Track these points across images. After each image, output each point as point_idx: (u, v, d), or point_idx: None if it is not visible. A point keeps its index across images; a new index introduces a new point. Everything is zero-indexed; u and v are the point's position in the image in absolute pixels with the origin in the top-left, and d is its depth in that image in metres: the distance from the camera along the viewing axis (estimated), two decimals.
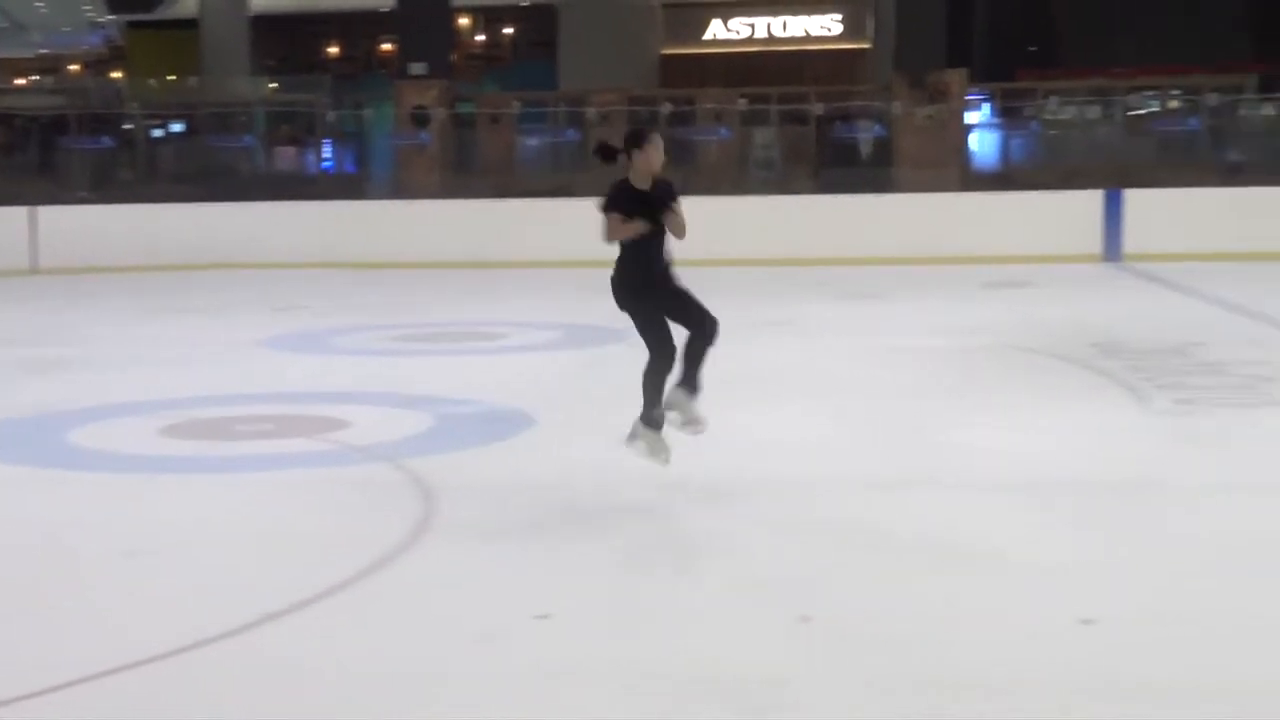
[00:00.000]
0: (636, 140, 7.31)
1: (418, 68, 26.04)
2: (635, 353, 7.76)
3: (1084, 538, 6.66)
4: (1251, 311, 15.19)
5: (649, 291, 7.30)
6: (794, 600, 5.70)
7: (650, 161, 7.25)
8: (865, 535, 6.70)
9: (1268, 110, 26.41)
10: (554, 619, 5.49)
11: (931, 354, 12.62)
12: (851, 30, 42.17)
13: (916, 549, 6.47)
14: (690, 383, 7.36)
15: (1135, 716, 4.54)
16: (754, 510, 7.20)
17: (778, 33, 42.75)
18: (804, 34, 42.55)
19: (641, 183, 7.28)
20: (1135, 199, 21.61)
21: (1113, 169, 23.84)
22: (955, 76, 25.40)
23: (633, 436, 7.57)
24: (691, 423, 7.44)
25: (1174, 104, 27.36)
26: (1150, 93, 27.27)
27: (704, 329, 7.29)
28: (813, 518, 7.05)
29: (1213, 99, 24.99)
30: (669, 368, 7.35)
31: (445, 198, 24.40)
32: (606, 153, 7.38)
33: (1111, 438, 8.95)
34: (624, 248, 7.31)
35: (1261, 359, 11.93)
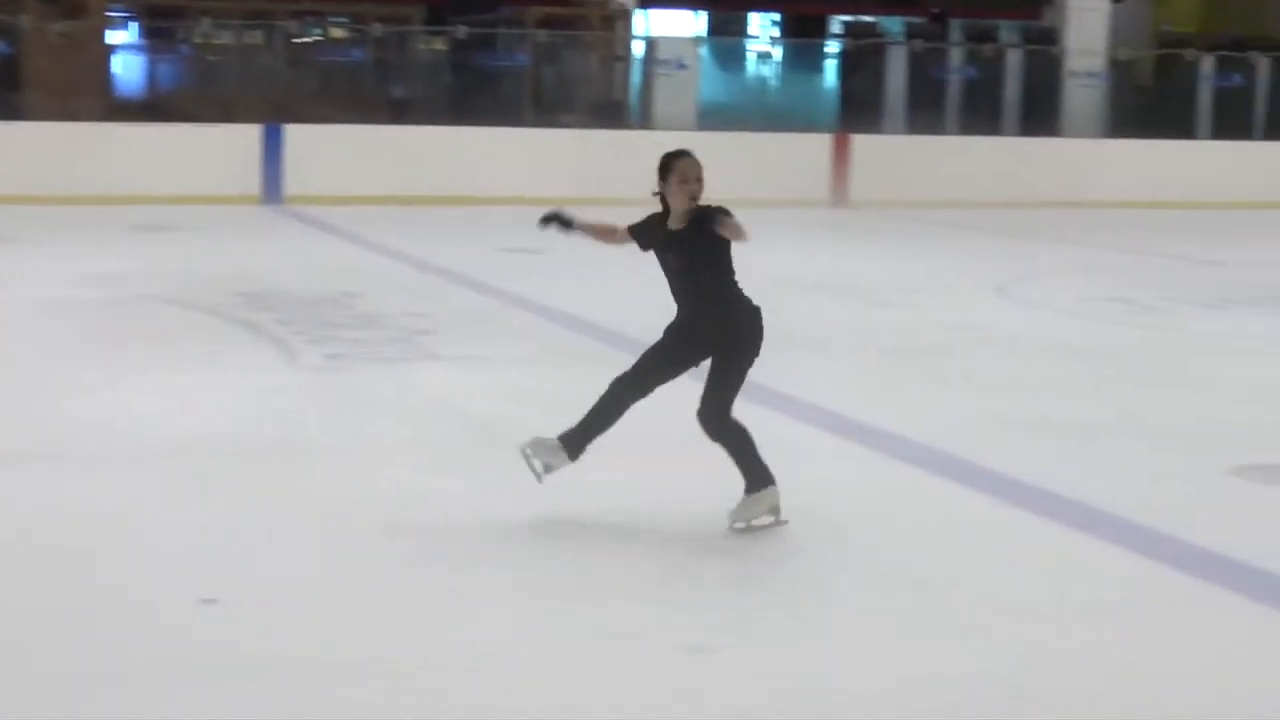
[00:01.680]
0: (663, 169, 6.58)
1: None
2: None
3: (212, 509, 6.84)
4: (414, 259, 16.05)
5: None
6: None
7: (675, 199, 6.54)
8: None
9: (437, 44, 27.76)
10: None
11: (65, 308, 12.40)
12: None
13: (30, 530, 6.43)
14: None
15: (259, 691, 4.77)
16: None
17: None
18: None
19: (676, 222, 6.58)
20: (296, 135, 22.13)
21: (273, 102, 24.24)
22: None
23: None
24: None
25: (338, 33, 28.20)
26: (313, 19, 27.94)
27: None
28: None
29: (378, 29, 25.99)
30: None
31: None
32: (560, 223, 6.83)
33: (255, 397, 9.24)
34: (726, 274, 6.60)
35: (421, 310, 12.64)
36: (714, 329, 6.60)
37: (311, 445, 8.19)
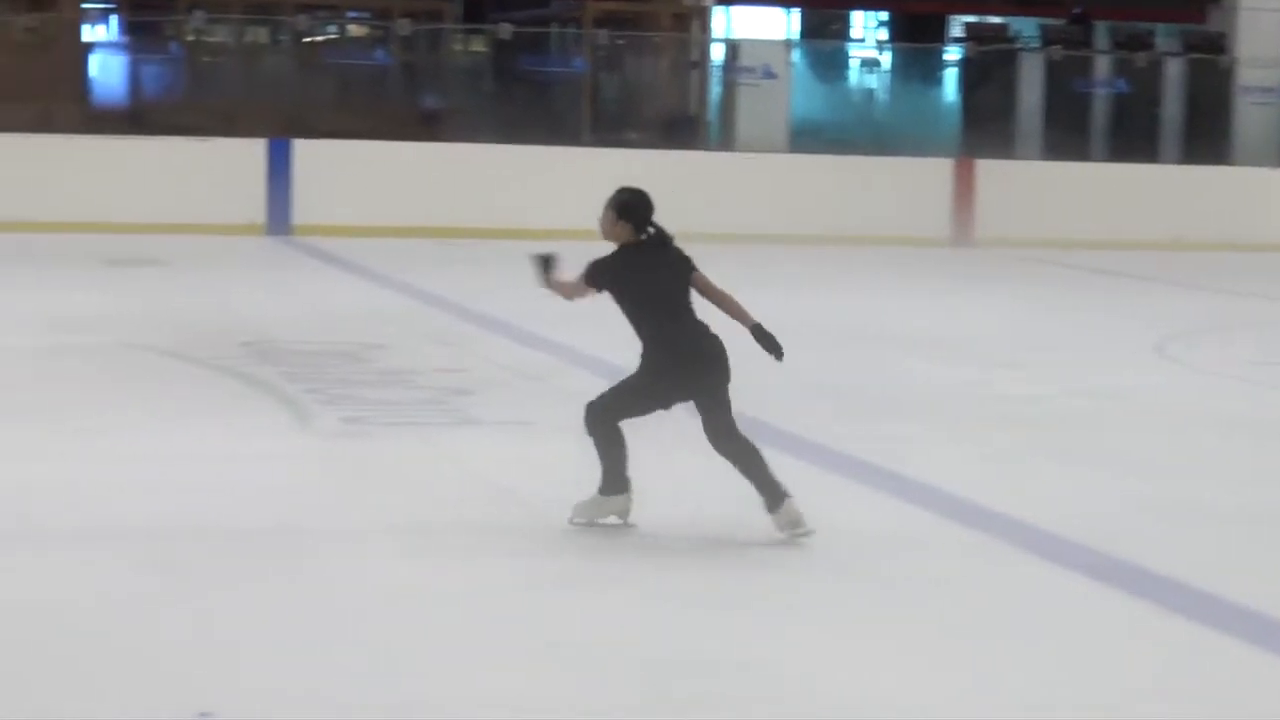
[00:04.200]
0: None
1: None
2: None
3: (199, 605, 6.89)
4: (447, 304, 16.13)
5: None
6: None
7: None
8: None
9: (477, 46, 27.90)
10: None
11: (25, 357, 12.51)
12: None
13: None
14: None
15: None
16: None
17: None
18: None
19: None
20: (307, 152, 22.30)
21: (280, 112, 24.43)
22: None
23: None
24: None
25: (358, 31, 28.41)
26: (328, 14, 28.14)
27: None
28: None
29: (406, 27, 26.17)
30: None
31: None
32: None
33: (255, 469, 9.27)
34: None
35: (456, 366, 12.72)
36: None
37: (322, 529, 8.19)
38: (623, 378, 8.20)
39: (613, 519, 8.11)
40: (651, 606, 7.01)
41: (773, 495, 7.90)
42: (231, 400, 11.22)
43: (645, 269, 8.05)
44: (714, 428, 7.99)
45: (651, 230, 8.10)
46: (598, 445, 8.09)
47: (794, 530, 7.89)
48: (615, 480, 8.08)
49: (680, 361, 7.97)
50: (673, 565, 7.64)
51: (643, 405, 8.12)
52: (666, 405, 8.17)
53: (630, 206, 8.09)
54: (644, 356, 8.06)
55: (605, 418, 8.07)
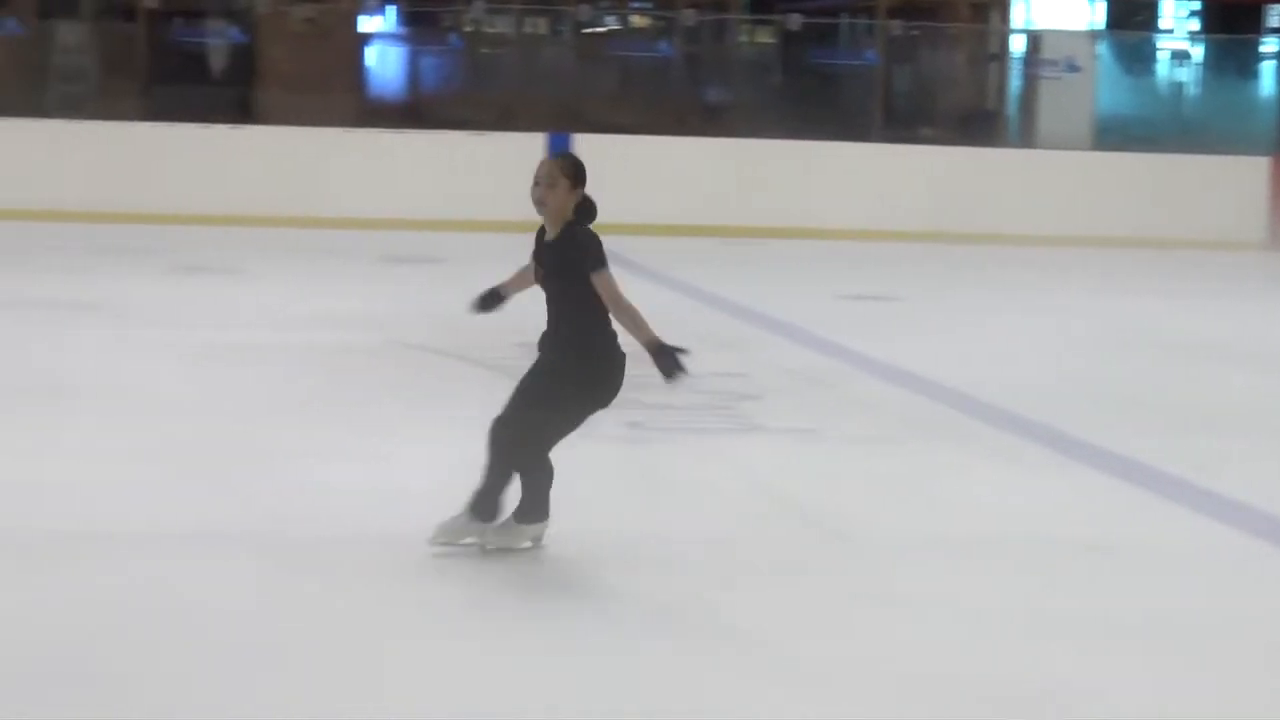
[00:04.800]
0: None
1: None
2: None
3: (470, 621, 6.92)
4: (731, 305, 16.09)
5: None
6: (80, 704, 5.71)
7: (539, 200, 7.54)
8: (167, 609, 6.75)
9: (763, 37, 27.88)
10: None
11: (294, 354, 12.70)
12: None
13: (223, 626, 6.59)
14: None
15: None
16: (8, 579, 7.13)
17: None
18: None
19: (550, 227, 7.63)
20: (586, 147, 22.37)
21: (559, 106, 24.61)
22: None
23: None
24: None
25: (641, 22, 28.53)
26: (609, 5, 28.31)
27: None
28: (99, 583, 7.04)
29: (690, 18, 26.23)
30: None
31: None
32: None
33: None
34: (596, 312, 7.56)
35: (741, 370, 12.67)
36: (565, 351, 7.61)
37: (601, 537, 8.21)
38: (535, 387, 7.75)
39: (527, 544, 7.68)
40: (968, 627, 6.92)
41: (539, 513, 7.67)
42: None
43: None
44: (523, 428, 7.67)
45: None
46: (525, 478, 7.71)
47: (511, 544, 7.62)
48: (540, 508, 7.70)
49: (619, 364, 7.67)
50: (984, 585, 7.51)
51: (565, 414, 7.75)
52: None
53: (584, 171, 7.56)
54: (578, 357, 7.63)
55: (524, 443, 7.69)
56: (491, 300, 8.13)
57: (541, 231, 7.67)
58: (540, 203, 7.46)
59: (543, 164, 7.53)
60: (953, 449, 9.99)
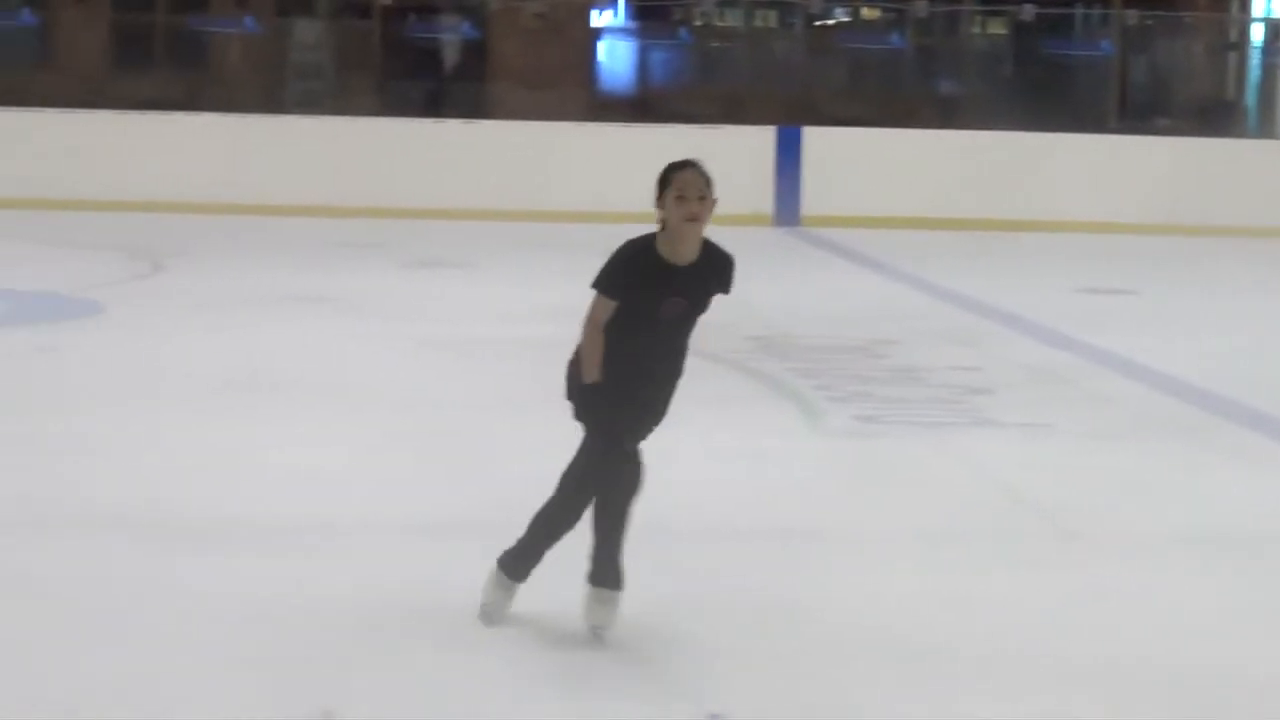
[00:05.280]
0: (661, 183, 6.39)
1: None
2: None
3: (715, 616, 6.92)
4: (964, 299, 15.96)
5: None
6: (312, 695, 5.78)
7: (671, 221, 6.34)
8: (399, 605, 6.81)
9: (996, 28, 27.68)
10: None
11: (525, 348, 12.76)
12: None
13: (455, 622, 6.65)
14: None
15: None
16: (248, 568, 7.23)
17: None
18: None
19: (672, 253, 6.43)
20: (817, 140, 22.37)
21: (789, 99, 24.58)
22: None
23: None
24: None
25: (872, 14, 28.42)
26: None
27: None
28: (335, 581, 7.11)
29: (922, 9, 26.09)
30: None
31: None
32: None
33: (765, 468, 9.29)
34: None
35: (972, 364, 12.57)
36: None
37: (834, 532, 8.17)
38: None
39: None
40: (1213, 622, 6.76)
41: (523, 570, 6.62)
42: (739, 396, 11.28)
43: None
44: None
45: None
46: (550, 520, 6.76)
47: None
48: (525, 564, 6.63)
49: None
50: (1230, 584, 7.34)
51: None
52: None
53: None
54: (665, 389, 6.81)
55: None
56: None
57: (654, 258, 6.45)
58: (695, 219, 6.28)
59: (693, 175, 6.30)
60: (1193, 446, 9.82)
